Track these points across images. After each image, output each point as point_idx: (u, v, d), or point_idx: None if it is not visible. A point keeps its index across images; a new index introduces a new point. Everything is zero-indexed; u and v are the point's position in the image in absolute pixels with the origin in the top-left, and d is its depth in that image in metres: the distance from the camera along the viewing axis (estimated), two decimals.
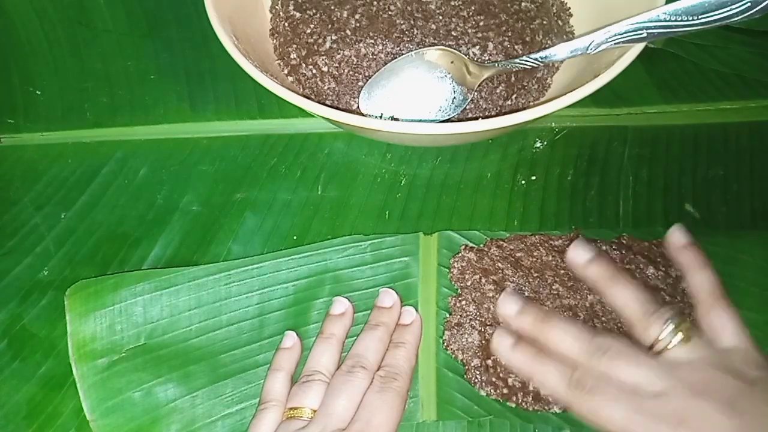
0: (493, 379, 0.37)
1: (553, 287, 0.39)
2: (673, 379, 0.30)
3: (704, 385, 0.29)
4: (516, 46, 0.46)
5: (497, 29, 0.46)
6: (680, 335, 0.30)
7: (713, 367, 0.30)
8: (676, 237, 0.36)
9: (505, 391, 0.37)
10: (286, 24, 0.49)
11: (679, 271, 0.39)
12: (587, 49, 0.39)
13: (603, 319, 0.38)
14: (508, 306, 0.35)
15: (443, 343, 0.39)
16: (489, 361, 0.38)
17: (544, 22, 0.48)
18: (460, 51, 0.44)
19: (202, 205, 0.46)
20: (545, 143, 0.47)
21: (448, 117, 0.44)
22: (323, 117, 0.39)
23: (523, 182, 0.46)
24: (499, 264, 0.40)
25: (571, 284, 0.39)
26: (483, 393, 0.37)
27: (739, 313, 0.32)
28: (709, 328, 0.32)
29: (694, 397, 0.29)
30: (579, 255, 0.35)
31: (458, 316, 0.39)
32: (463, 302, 0.40)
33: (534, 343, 0.34)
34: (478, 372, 0.38)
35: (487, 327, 0.39)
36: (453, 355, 0.39)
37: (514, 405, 0.37)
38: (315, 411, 0.35)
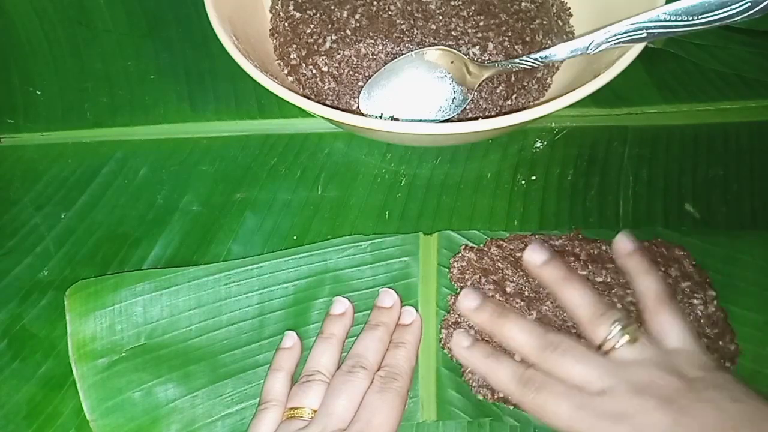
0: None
1: None
2: (617, 377, 0.31)
3: (646, 384, 0.30)
4: (516, 46, 0.46)
5: (497, 29, 0.46)
6: (627, 336, 0.32)
7: (657, 366, 0.31)
8: (622, 243, 0.36)
9: (501, 394, 0.37)
10: (286, 24, 0.49)
11: (679, 271, 0.39)
12: (587, 49, 0.39)
13: None
14: (466, 301, 0.36)
15: (440, 341, 0.39)
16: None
17: (544, 22, 0.48)
18: (460, 51, 0.44)
19: (202, 205, 0.46)
20: (545, 143, 0.47)
21: (448, 117, 0.44)
22: (323, 117, 0.39)
23: (523, 182, 0.46)
24: (499, 264, 0.40)
25: None
26: (480, 396, 0.37)
27: (684, 316, 0.33)
28: (656, 331, 0.33)
29: (636, 395, 0.30)
30: (534, 257, 0.36)
31: (456, 315, 0.39)
32: None
33: (492, 340, 0.36)
34: (473, 374, 0.38)
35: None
36: (449, 354, 0.39)
37: (512, 407, 0.37)
38: (315, 411, 0.35)
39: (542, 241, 0.41)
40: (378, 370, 0.36)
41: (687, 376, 0.31)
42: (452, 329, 0.39)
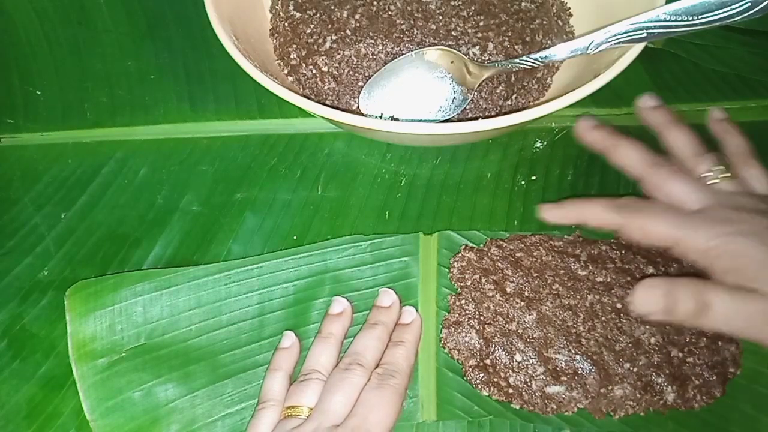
0: (494, 379, 0.37)
1: (553, 287, 0.39)
2: (716, 199, 0.34)
3: (743, 204, 0.34)
4: (516, 46, 0.46)
5: (497, 29, 0.46)
6: (726, 173, 0.36)
7: (750, 198, 0.35)
8: (716, 113, 0.41)
9: (510, 391, 0.37)
10: (286, 24, 0.49)
11: (679, 271, 0.39)
12: (587, 49, 0.39)
13: (603, 318, 0.38)
14: (584, 121, 0.40)
15: (440, 341, 0.39)
16: (487, 361, 0.38)
17: (544, 22, 0.48)
18: (460, 51, 0.44)
19: (202, 205, 0.46)
20: (545, 143, 0.47)
21: (448, 117, 0.44)
22: (323, 117, 0.39)
23: (523, 182, 0.46)
24: (499, 264, 0.40)
25: (570, 284, 0.39)
26: (485, 393, 0.37)
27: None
28: (745, 180, 0.37)
29: (734, 210, 0.33)
30: (648, 101, 0.41)
31: (457, 315, 0.39)
32: (463, 301, 0.40)
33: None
34: (476, 372, 0.38)
35: (486, 326, 0.39)
36: (450, 354, 0.39)
37: (518, 407, 0.37)
38: (312, 409, 0.35)
39: (545, 239, 0.41)
40: (376, 367, 0.36)
41: None
42: (452, 329, 0.39)
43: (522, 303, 0.39)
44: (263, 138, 0.49)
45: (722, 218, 0.33)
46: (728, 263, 0.32)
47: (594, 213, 0.37)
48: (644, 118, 0.41)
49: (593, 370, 0.37)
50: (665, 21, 0.36)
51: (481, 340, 0.38)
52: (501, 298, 0.39)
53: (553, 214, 0.38)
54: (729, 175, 0.36)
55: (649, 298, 0.33)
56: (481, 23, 0.46)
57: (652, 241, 0.35)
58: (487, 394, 0.37)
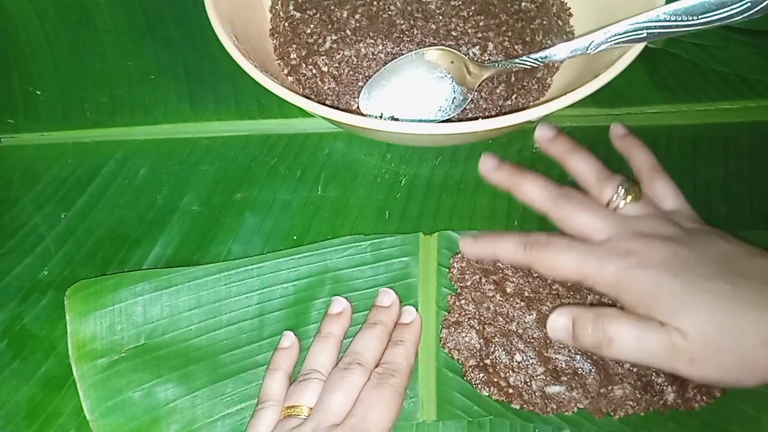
0: (494, 380, 0.37)
1: (553, 287, 0.39)
2: (622, 227, 0.34)
3: (649, 230, 0.34)
4: (516, 46, 0.46)
5: (497, 29, 0.46)
6: (630, 196, 0.35)
7: (657, 219, 0.35)
8: (617, 129, 0.42)
9: (510, 391, 0.37)
10: (286, 24, 0.49)
11: None
12: (587, 49, 0.39)
13: None
14: (486, 162, 0.39)
15: (440, 341, 0.39)
16: (487, 361, 0.38)
17: (544, 22, 0.48)
18: (460, 51, 0.44)
19: (202, 205, 0.46)
20: None
21: (448, 117, 0.44)
22: (323, 117, 0.39)
23: None
24: (499, 264, 0.40)
25: (571, 284, 0.39)
26: (485, 393, 0.37)
27: (676, 183, 0.38)
28: (654, 195, 0.37)
29: (640, 237, 0.33)
30: (545, 133, 0.40)
31: (457, 315, 0.39)
32: (463, 301, 0.40)
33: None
34: (476, 372, 0.38)
35: (486, 326, 0.39)
36: (450, 354, 0.39)
37: (518, 407, 0.37)
38: (312, 409, 0.35)
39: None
40: (376, 367, 0.36)
41: (684, 227, 0.35)
42: (452, 329, 0.39)
43: (522, 303, 0.39)
44: (263, 138, 0.49)
45: (624, 251, 0.33)
46: (633, 297, 0.32)
47: (505, 250, 0.36)
48: (544, 150, 0.40)
49: (593, 370, 0.37)
50: (665, 21, 0.36)
51: (481, 340, 0.38)
52: (501, 298, 0.39)
53: (469, 249, 0.38)
54: (632, 196, 0.35)
55: (558, 326, 0.34)
56: (481, 23, 0.46)
57: (561, 277, 0.35)
58: (487, 394, 0.37)
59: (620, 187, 0.36)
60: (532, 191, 0.37)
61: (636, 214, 0.35)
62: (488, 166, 0.39)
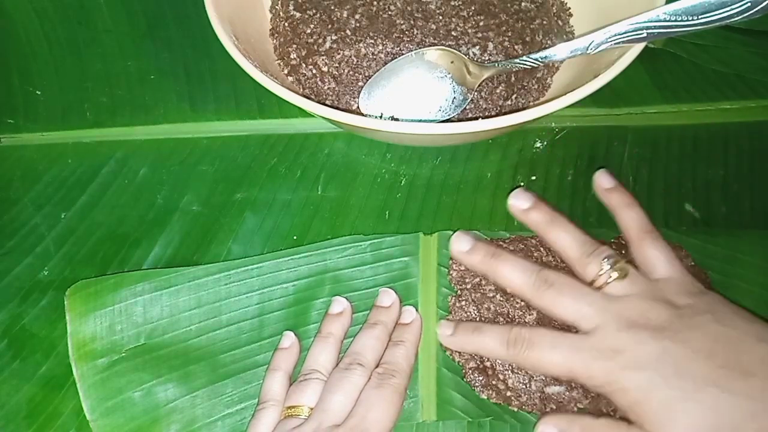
0: (493, 382, 0.37)
1: None
2: (609, 313, 0.32)
3: (637, 317, 0.32)
4: (516, 46, 0.46)
5: (497, 29, 0.46)
6: (616, 273, 0.33)
7: (647, 299, 0.33)
8: (603, 181, 0.39)
9: (508, 393, 0.37)
10: (286, 24, 0.49)
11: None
12: (587, 49, 0.39)
13: None
14: (458, 245, 0.37)
15: (441, 342, 0.39)
16: (487, 363, 0.38)
17: (544, 22, 0.48)
18: (460, 51, 0.44)
19: (202, 205, 0.46)
20: (545, 143, 0.47)
21: (448, 117, 0.44)
22: (323, 117, 0.39)
23: (523, 182, 0.46)
24: None
25: None
26: (484, 396, 0.37)
27: (668, 245, 0.35)
28: (643, 263, 0.35)
29: (627, 329, 0.32)
30: (519, 202, 0.38)
31: (457, 316, 0.39)
32: (463, 302, 0.39)
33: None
34: (476, 375, 0.38)
35: None
36: (450, 356, 0.39)
37: (516, 409, 0.37)
38: (312, 409, 0.35)
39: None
40: (376, 367, 0.36)
41: (676, 304, 0.32)
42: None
43: (523, 303, 0.39)
44: (263, 138, 0.49)
45: (611, 349, 0.31)
46: (622, 401, 0.31)
47: (486, 348, 0.35)
48: (520, 219, 0.38)
49: None
50: (665, 21, 0.36)
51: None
52: (501, 298, 0.39)
53: (449, 341, 0.37)
54: (618, 273, 0.33)
55: None
56: (481, 23, 0.46)
57: (549, 375, 0.34)
58: (486, 397, 0.37)
59: (605, 263, 0.34)
60: (511, 277, 0.35)
61: (624, 293, 0.33)
62: (460, 248, 0.37)
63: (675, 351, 0.31)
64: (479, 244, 0.37)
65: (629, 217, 0.36)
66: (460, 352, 0.38)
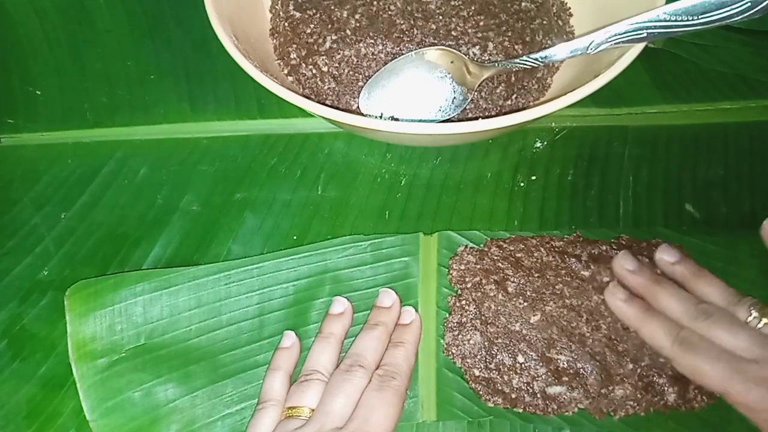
0: (499, 387, 0.37)
1: (556, 287, 0.39)
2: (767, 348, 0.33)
3: None
4: (516, 46, 0.46)
5: (497, 29, 0.46)
6: (765, 319, 0.34)
7: None
8: (667, 254, 0.39)
9: (513, 396, 0.37)
10: (286, 24, 0.49)
11: None
12: (587, 49, 0.39)
13: (609, 319, 0.38)
14: (625, 263, 0.38)
15: (444, 346, 0.39)
16: (492, 365, 0.38)
17: (544, 22, 0.48)
18: (460, 51, 0.44)
19: (202, 205, 0.46)
20: (545, 143, 0.47)
21: (448, 117, 0.44)
22: (323, 117, 0.39)
23: (523, 182, 0.46)
24: (500, 264, 0.40)
25: (575, 284, 0.39)
26: (491, 404, 0.37)
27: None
28: None
29: None
30: (667, 257, 0.39)
31: (458, 316, 0.39)
32: (463, 302, 0.39)
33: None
34: (481, 383, 0.38)
35: (488, 326, 0.39)
36: (453, 361, 0.38)
37: (520, 410, 0.37)
38: (313, 410, 0.35)
39: (546, 240, 0.41)
40: (377, 369, 0.36)
41: None
42: (455, 332, 0.39)
43: (525, 303, 0.39)
44: (263, 138, 0.49)
45: None
46: None
47: (654, 333, 0.36)
48: (667, 273, 0.39)
49: (595, 371, 0.37)
50: (665, 21, 0.36)
51: (486, 343, 0.38)
52: (503, 298, 0.39)
53: (619, 306, 0.37)
54: (766, 321, 0.34)
55: None
56: (481, 23, 0.46)
57: (702, 384, 0.34)
58: (492, 404, 0.37)
59: (753, 309, 0.35)
60: (670, 305, 0.36)
61: None
62: (626, 266, 0.38)
63: None
64: (644, 267, 0.38)
65: (712, 290, 0.37)
66: (462, 357, 0.38)
